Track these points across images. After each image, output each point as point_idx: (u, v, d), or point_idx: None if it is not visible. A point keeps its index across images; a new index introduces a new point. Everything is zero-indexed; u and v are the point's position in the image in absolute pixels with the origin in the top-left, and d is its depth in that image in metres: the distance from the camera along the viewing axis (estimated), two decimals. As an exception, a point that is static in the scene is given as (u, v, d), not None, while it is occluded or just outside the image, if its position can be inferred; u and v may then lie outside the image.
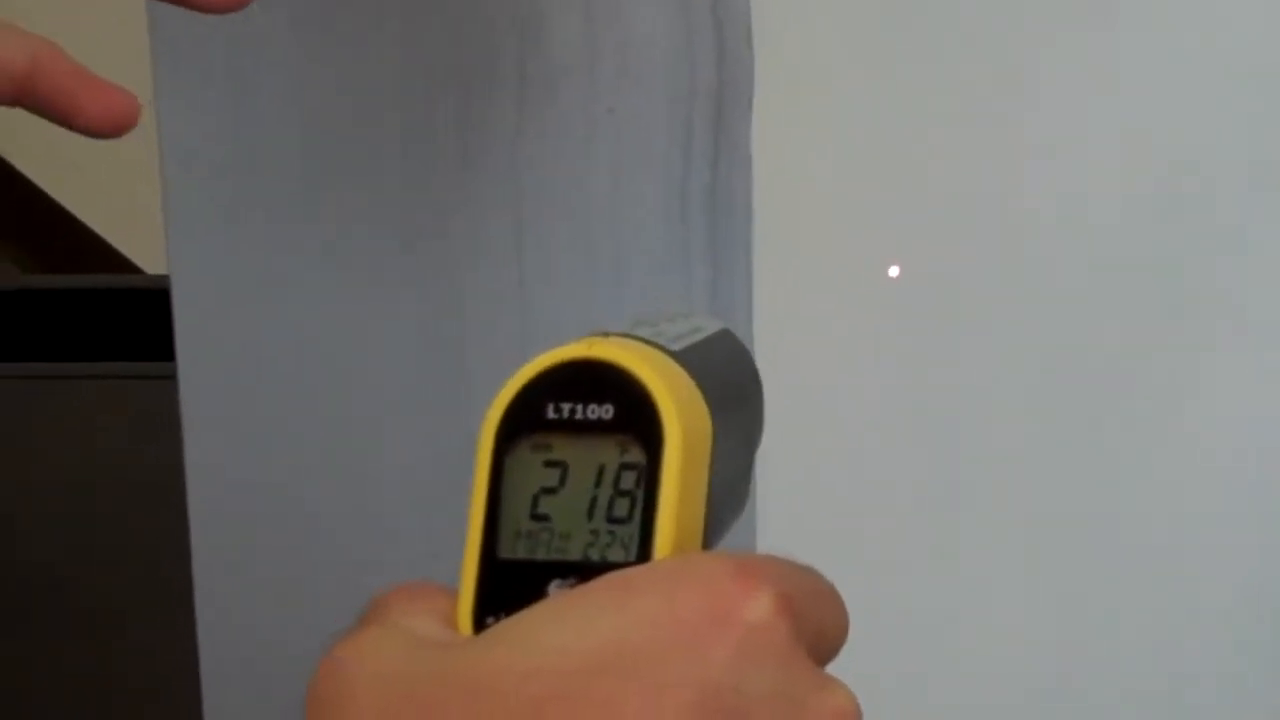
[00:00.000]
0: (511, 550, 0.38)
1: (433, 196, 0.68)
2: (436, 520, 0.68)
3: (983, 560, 0.70)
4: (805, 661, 0.37)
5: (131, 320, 1.50)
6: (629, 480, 0.38)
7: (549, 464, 0.39)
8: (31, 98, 0.51)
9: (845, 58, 0.67)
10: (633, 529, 0.38)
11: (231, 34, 0.68)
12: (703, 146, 0.67)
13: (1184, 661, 0.70)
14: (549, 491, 0.39)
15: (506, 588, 0.38)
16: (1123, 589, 0.70)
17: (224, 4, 0.54)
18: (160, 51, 0.68)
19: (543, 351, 0.39)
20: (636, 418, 0.38)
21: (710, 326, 0.44)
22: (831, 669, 0.38)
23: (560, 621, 0.36)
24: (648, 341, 0.40)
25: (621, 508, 0.38)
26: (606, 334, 0.40)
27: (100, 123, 0.51)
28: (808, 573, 0.39)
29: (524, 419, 0.39)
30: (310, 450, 0.71)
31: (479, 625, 0.38)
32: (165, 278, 0.71)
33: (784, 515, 0.69)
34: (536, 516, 0.39)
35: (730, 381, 0.43)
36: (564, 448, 0.39)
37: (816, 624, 0.38)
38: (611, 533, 0.38)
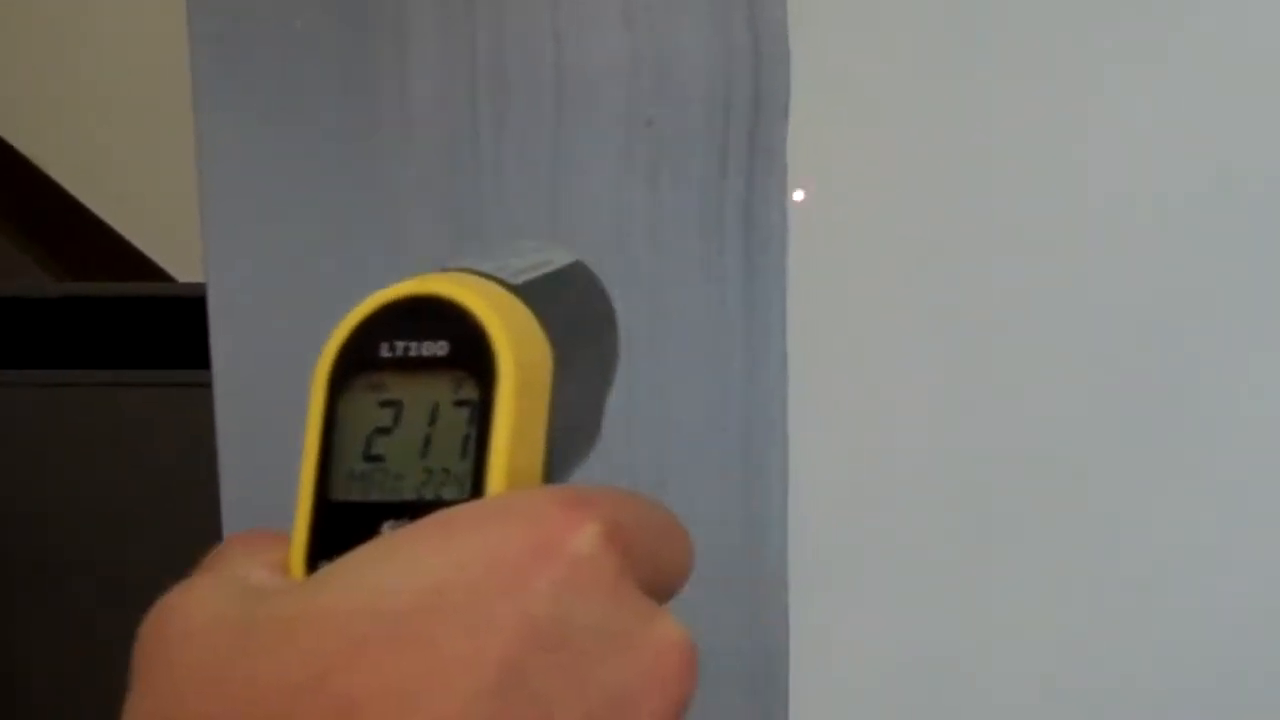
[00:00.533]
0: (345, 492, 0.38)
1: (472, 204, 0.68)
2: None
3: (1019, 565, 0.70)
4: (635, 594, 0.37)
5: (165, 328, 1.50)
6: (463, 417, 0.38)
7: (383, 403, 0.38)
8: None
9: (880, 68, 0.67)
10: (467, 466, 0.37)
11: (269, 38, 0.68)
12: (738, 156, 0.67)
13: (1230, 662, 0.70)
14: (383, 431, 0.38)
15: (339, 530, 0.37)
16: (1166, 592, 0.70)
17: None
18: (199, 59, 0.69)
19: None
20: (471, 353, 0.38)
21: (560, 259, 0.43)
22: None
23: (386, 561, 0.36)
24: (488, 275, 0.39)
25: (455, 445, 0.38)
26: (446, 269, 0.39)
27: None
28: (645, 504, 0.39)
29: (357, 358, 0.38)
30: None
31: (312, 569, 0.37)
32: (200, 285, 0.72)
33: (817, 518, 0.69)
34: (370, 457, 0.38)
35: (576, 315, 0.42)
36: (398, 386, 0.38)
37: (651, 557, 0.38)
38: (445, 470, 0.38)
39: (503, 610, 0.35)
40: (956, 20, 0.66)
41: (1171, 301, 0.67)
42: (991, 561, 0.70)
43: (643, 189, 0.67)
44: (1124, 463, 0.69)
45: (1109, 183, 0.67)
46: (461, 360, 0.38)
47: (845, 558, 0.70)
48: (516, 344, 0.38)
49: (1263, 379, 0.68)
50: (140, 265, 2.35)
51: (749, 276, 0.68)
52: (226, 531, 0.72)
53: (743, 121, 0.67)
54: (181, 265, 2.22)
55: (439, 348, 0.38)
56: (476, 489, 0.37)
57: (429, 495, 0.38)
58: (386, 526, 0.37)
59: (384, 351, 0.38)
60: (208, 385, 0.71)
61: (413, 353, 0.38)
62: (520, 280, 0.40)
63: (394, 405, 0.38)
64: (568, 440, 0.40)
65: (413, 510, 0.37)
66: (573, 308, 0.42)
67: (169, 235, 2.29)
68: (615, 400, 0.68)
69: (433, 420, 0.38)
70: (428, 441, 0.38)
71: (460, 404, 0.38)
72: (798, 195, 0.67)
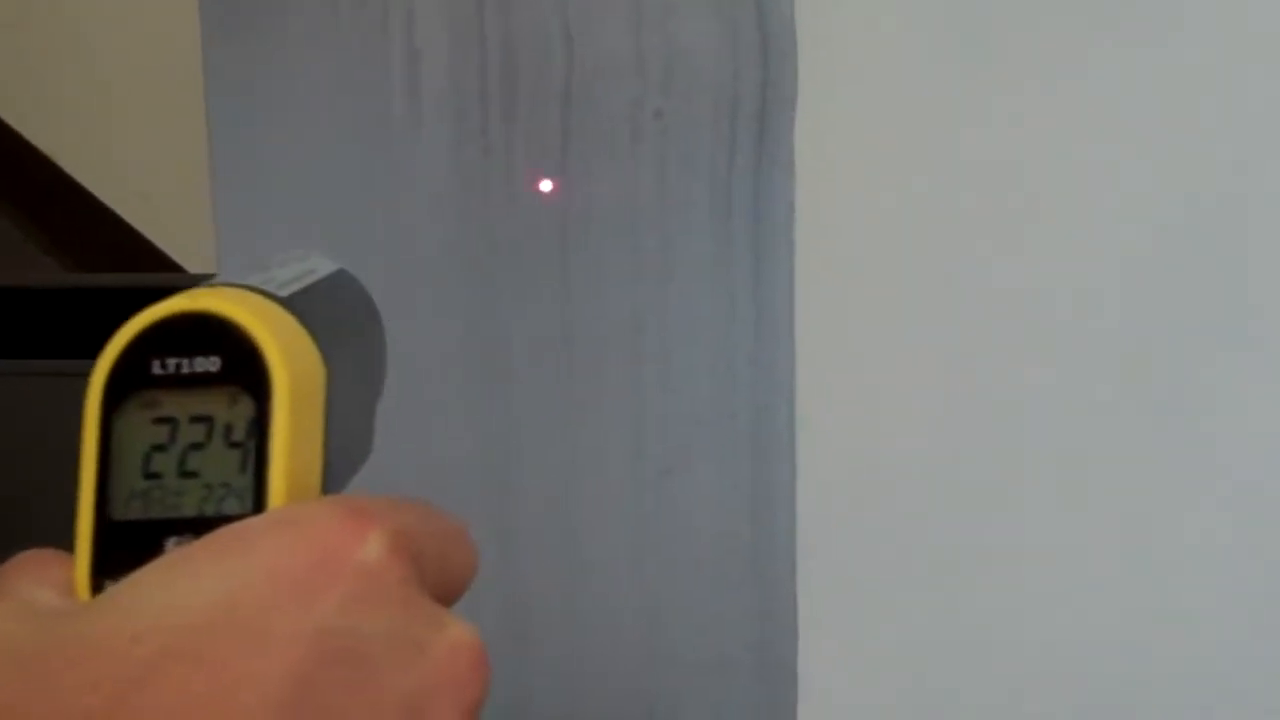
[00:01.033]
0: (125, 511, 0.38)
1: (480, 196, 0.68)
2: (482, 514, 0.69)
3: (1026, 556, 0.70)
4: (422, 600, 0.37)
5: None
6: (240, 432, 0.38)
7: (158, 420, 0.38)
8: None
9: (887, 62, 0.67)
10: (246, 481, 0.38)
11: (281, 32, 0.68)
12: (746, 150, 0.67)
13: (1242, 661, 0.70)
14: (159, 448, 0.38)
15: (123, 549, 0.37)
16: (1174, 590, 0.70)
17: None
18: (211, 52, 0.69)
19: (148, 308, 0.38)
20: (244, 368, 0.38)
21: (324, 268, 0.43)
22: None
23: (169, 580, 0.36)
24: (255, 289, 0.39)
25: (233, 460, 0.38)
26: (213, 284, 0.39)
27: None
28: (426, 511, 0.39)
29: (130, 377, 0.38)
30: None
31: (97, 589, 0.37)
32: (210, 276, 0.72)
33: (827, 516, 0.69)
34: (150, 475, 0.38)
35: (344, 323, 0.42)
36: (172, 403, 0.38)
37: (437, 562, 0.38)
38: (225, 485, 0.38)
39: (290, 625, 0.35)
40: (964, 15, 0.66)
41: (1178, 301, 0.68)
42: (998, 551, 0.70)
43: (651, 181, 0.68)
44: (1131, 455, 0.69)
45: (1117, 181, 0.67)
46: (234, 375, 0.38)
47: (853, 546, 0.70)
48: (288, 356, 0.38)
49: (1270, 380, 0.68)
50: (150, 256, 2.35)
51: (757, 268, 0.68)
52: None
53: (750, 115, 0.67)
54: (191, 256, 2.22)
55: (211, 363, 0.38)
56: (258, 503, 0.38)
57: (210, 511, 0.38)
58: (170, 543, 0.37)
59: (156, 369, 0.38)
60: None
61: (185, 369, 0.38)
62: (287, 292, 0.40)
63: (169, 422, 0.38)
64: (343, 449, 0.40)
65: (195, 526, 0.37)
66: (340, 317, 0.42)
67: (179, 226, 2.29)
68: (623, 389, 0.69)
69: (209, 436, 0.38)
70: (206, 457, 0.38)
71: (236, 419, 0.38)
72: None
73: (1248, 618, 0.70)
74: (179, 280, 1.99)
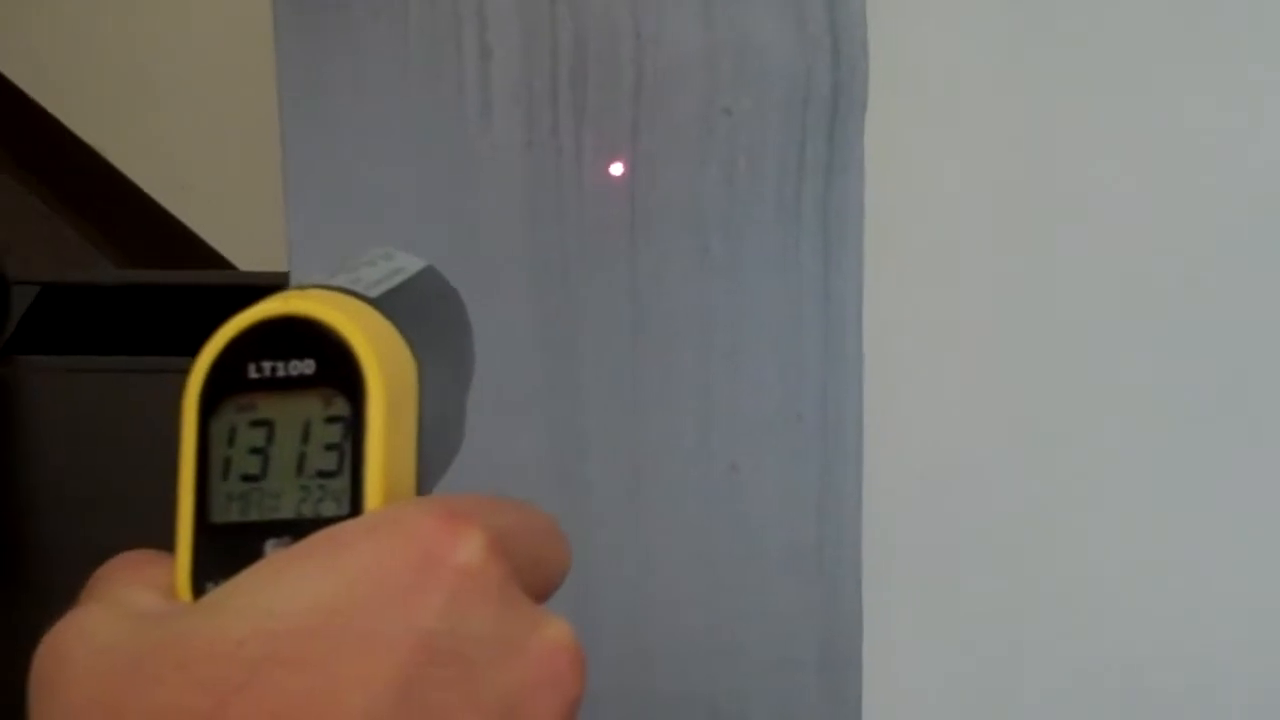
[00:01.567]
0: (224, 514, 0.38)
1: (551, 192, 0.69)
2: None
3: (1095, 559, 0.70)
4: (521, 599, 0.38)
5: (226, 316, 1.51)
6: (335, 433, 0.38)
7: (254, 423, 0.39)
8: None
9: (960, 63, 0.67)
10: (343, 482, 0.38)
11: (354, 29, 0.69)
12: (816, 148, 0.68)
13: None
14: (257, 451, 0.39)
15: (223, 552, 0.38)
16: (1248, 587, 0.70)
17: None
18: (284, 47, 0.69)
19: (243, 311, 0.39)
20: (338, 370, 0.38)
21: (411, 266, 0.43)
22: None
23: (274, 583, 0.36)
24: (345, 290, 0.40)
25: (330, 461, 0.38)
26: (304, 287, 0.40)
27: None
28: (521, 510, 0.40)
29: (226, 381, 0.38)
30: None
31: (198, 592, 0.38)
32: (263, 274, 0.72)
33: (893, 514, 0.69)
34: (246, 477, 0.38)
35: (433, 321, 0.43)
36: (268, 406, 0.38)
37: (532, 561, 0.39)
38: (323, 487, 0.38)
39: (394, 627, 0.35)
40: (1039, 15, 0.66)
41: (1258, 302, 0.68)
42: (1066, 550, 0.70)
43: (720, 179, 0.68)
44: (1208, 455, 0.69)
45: (1196, 183, 0.67)
46: (329, 377, 0.38)
47: (919, 547, 0.70)
48: (381, 357, 0.38)
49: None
50: (203, 253, 2.36)
51: (825, 268, 0.68)
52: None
53: (821, 114, 0.67)
54: (244, 254, 2.23)
55: (305, 366, 0.38)
56: (355, 504, 0.38)
57: (308, 513, 0.38)
58: (269, 545, 0.38)
59: (252, 373, 0.38)
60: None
61: (280, 372, 0.38)
62: (376, 292, 0.40)
63: (266, 425, 0.39)
64: (435, 447, 0.41)
65: (293, 528, 0.38)
66: (429, 315, 0.43)
67: (231, 224, 2.30)
68: (689, 389, 0.69)
69: (305, 438, 0.38)
70: (302, 459, 0.38)
71: (331, 420, 0.38)
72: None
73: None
74: (231, 278, 2.00)
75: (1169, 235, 0.68)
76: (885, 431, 0.69)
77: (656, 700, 0.71)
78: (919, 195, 0.68)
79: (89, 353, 1.38)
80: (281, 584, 0.36)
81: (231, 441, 0.38)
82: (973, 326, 0.69)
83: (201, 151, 2.36)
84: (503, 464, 0.71)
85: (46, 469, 1.30)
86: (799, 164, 0.68)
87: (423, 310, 0.42)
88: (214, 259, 2.34)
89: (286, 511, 0.38)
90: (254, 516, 0.38)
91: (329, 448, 0.38)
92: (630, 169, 0.68)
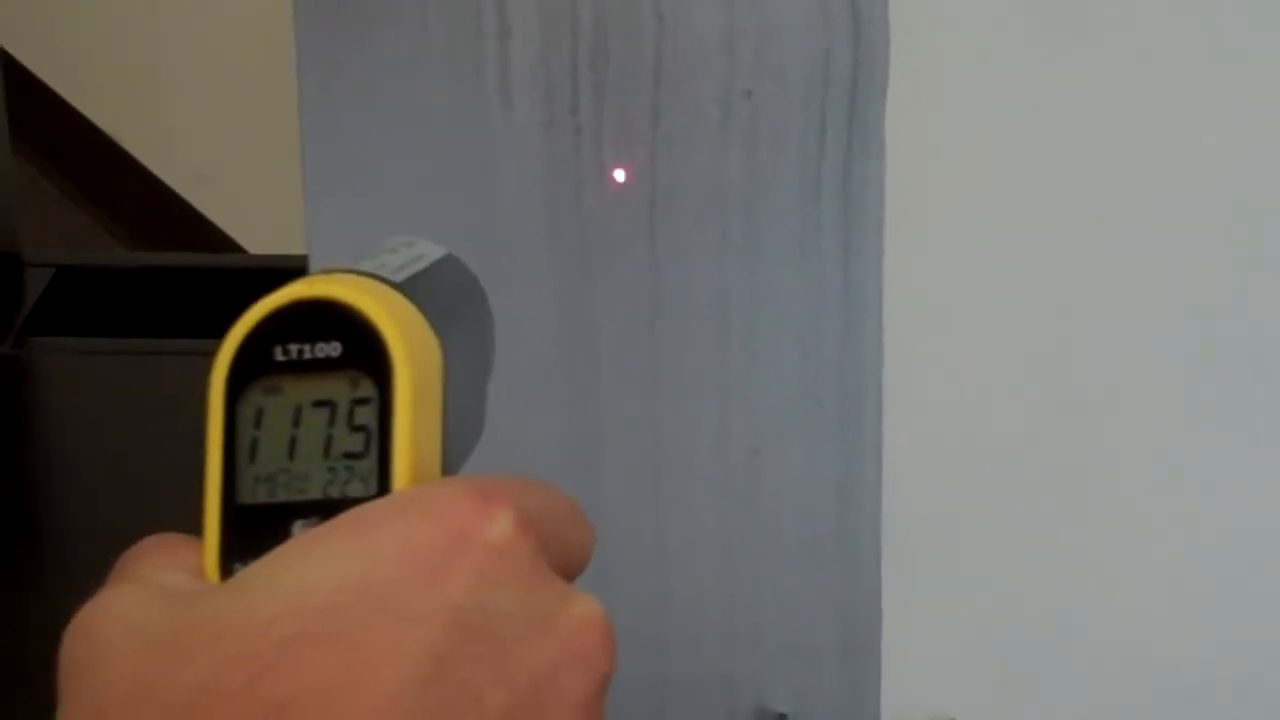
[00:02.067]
0: (252, 495, 0.38)
1: (570, 174, 0.68)
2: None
3: (1114, 543, 0.70)
4: (550, 577, 0.38)
5: (239, 299, 1.51)
6: (362, 415, 0.38)
7: (281, 406, 0.39)
8: None
9: (982, 48, 0.67)
10: (370, 463, 0.38)
11: (372, 8, 0.68)
12: (837, 132, 0.67)
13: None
14: (283, 433, 0.39)
15: (251, 533, 0.38)
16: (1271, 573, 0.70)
17: None
18: (304, 29, 0.69)
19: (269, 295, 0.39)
20: (364, 352, 0.38)
21: (433, 254, 0.44)
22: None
23: (303, 562, 0.36)
24: (370, 275, 0.40)
25: (357, 443, 0.39)
26: (329, 271, 0.40)
27: None
28: (547, 491, 0.40)
29: (253, 363, 0.39)
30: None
31: (226, 573, 0.38)
32: (273, 257, 0.72)
33: (913, 500, 0.69)
34: (274, 459, 0.39)
35: (456, 307, 0.43)
36: (295, 388, 0.39)
37: (560, 540, 0.39)
38: (350, 468, 0.38)
39: (425, 604, 0.35)
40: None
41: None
42: (1088, 538, 0.70)
43: (740, 161, 0.68)
44: (1234, 447, 0.69)
45: (1226, 176, 0.67)
46: (355, 360, 0.39)
47: (939, 532, 0.70)
48: (408, 340, 0.39)
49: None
50: (215, 239, 2.37)
51: (846, 252, 0.68)
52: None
53: (841, 97, 0.67)
54: (257, 239, 2.23)
55: (332, 348, 0.39)
56: (382, 484, 0.38)
57: (335, 494, 0.38)
58: (297, 526, 0.38)
59: (278, 355, 0.39)
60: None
61: (306, 355, 0.39)
62: (401, 277, 0.41)
63: (293, 407, 0.39)
64: (459, 431, 0.41)
65: (321, 509, 0.38)
66: (452, 301, 0.43)
67: (245, 210, 2.30)
68: (709, 374, 0.69)
69: (332, 420, 0.39)
70: (329, 440, 0.39)
71: (359, 402, 0.39)
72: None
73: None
74: (240, 261, 2.00)
75: (1211, 218, 0.67)
76: (906, 417, 0.69)
77: (674, 685, 0.71)
78: (940, 179, 0.68)
79: (104, 335, 1.38)
80: (311, 562, 0.36)
81: (258, 423, 0.39)
82: (994, 310, 0.69)
83: (215, 138, 2.36)
84: (520, 448, 0.71)
85: (61, 450, 1.30)
86: (820, 147, 0.67)
87: (446, 296, 0.42)
88: (227, 244, 2.34)
89: (314, 493, 0.38)
90: (281, 498, 0.38)
91: (356, 429, 0.39)
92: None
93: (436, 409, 0.40)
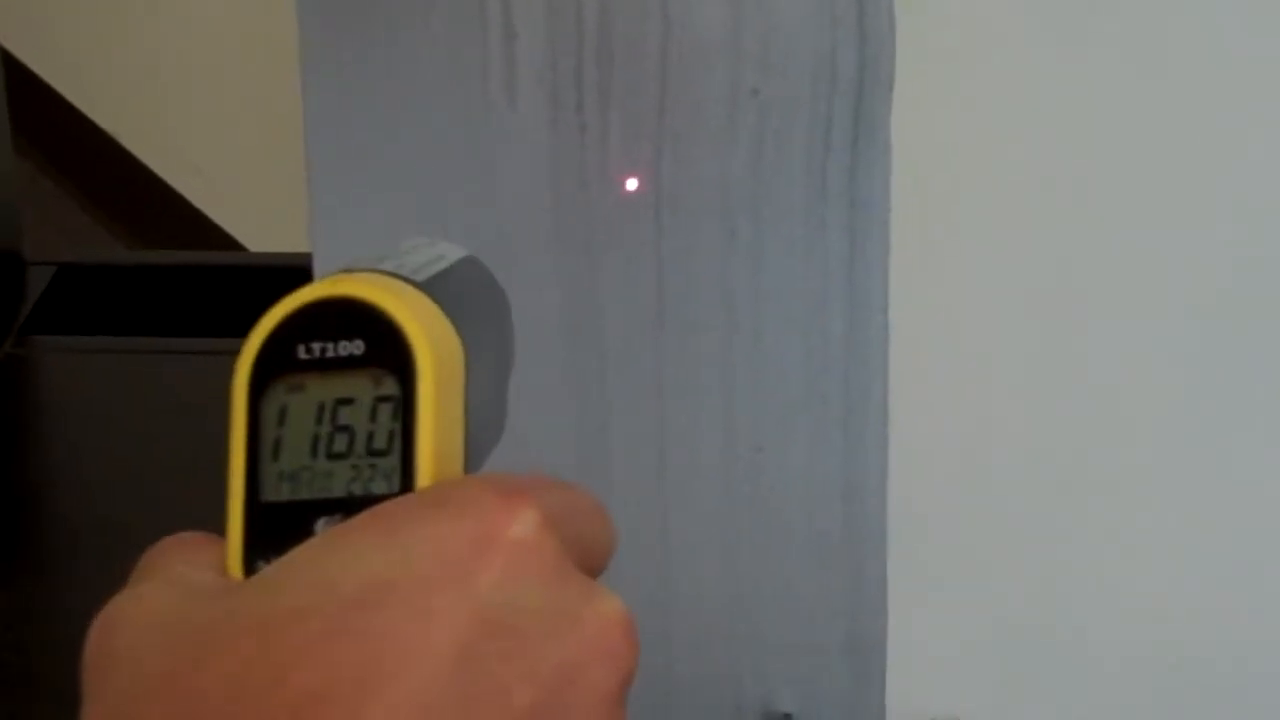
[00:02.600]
0: (275, 493, 0.39)
1: (575, 174, 0.68)
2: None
3: (1119, 538, 0.70)
4: (574, 574, 0.38)
5: (239, 296, 1.51)
6: (385, 413, 0.39)
7: (304, 404, 0.39)
8: None
9: (988, 44, 0.67)
10: (393, 460, 0.39)
11: (375, 12, 0.68)
12: (842, 130, 0.67)
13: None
14: (307, 431, 0.39)
15: (274, 530, 0.38)
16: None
17: None
18: (308, 27, 0.69)
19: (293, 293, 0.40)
20: (387, 350, 0.39)
21: (452, 254, 0.44)
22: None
23: (328, 558, 0.37)
24: (392, 274, 0.41)
25: (380, 440, 0.39)
26: (351, 270, 0.41)
27: None
28: (570, 489, 0.40)
29: (276, 362, 0.39)
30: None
31: (249, 570, 0.38)
32: (273, 255, 0.72)
33: (918, 498, 0.69)
34: (296, 456, 0.39)
35: (477, 307, 0.43)
36: (318, 386, 0.39)
37: (583, 538, 0.39)
38: (373, 466, 0.39)
39: (451, 600, 0.36)
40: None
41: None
42: (1094, 537, 0.70)
43: (746, 160, 0.68)
44: (1240, 444, 0.69)
45: (1226, 176, 0.67)
46: (378, 358, 0.39)
47: (943, 531, 0.70)
48: (430, 338, 0.39)
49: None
50: (215, 237, 2.36)
51: (851, 250, 0.68)
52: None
53: (847, 95, 0.67)
54: (257, 237, 2.23)
55: (355, 347, 0.39)
56: (405, 482, 0.39)
57: (358, 491, 0.39)
58: (320, 524, 0.38)
59: (301, 354, 0.39)
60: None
61: (329, 353, 0.39)
62: (422, 277, 0.41)
63: (316, 405, 0.39)
64: (481, 429, 0.41)
65: (345, 506, 0.38)
66: (473, 301, 0.43)
67: (245, 208, 2.30)
68: (714, 371, 0.69)
69: (355, 418, 0.39)
70: (352, 438, 0.39)
71: (382, 400, 0.39)
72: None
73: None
74: (240, 259, 2.00)
75: (1213, 222, 0.67)
76: (910, 415, 0.69)
77: (679, 683, 0.71)
78: (945, 178, 0.68)
79: (105, 333, 1.38)
80: (336, 558, 0.36)
81: (282, 421, 0.39)
82: (999, 309, 0.69)
83: (216, 136, 2.36)
84: (525, 446, 0.71)
85: (63, 449, 1.30)
86: (825, 146, 0.67)
87: (467, 297, 0.43)
88: (228, 243, 2.34)
89: (337, 490, 0.39)
90: (305, 495, 0.39)
91: (379, 427, 0.39)
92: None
93: (459, 408, 0.40)
